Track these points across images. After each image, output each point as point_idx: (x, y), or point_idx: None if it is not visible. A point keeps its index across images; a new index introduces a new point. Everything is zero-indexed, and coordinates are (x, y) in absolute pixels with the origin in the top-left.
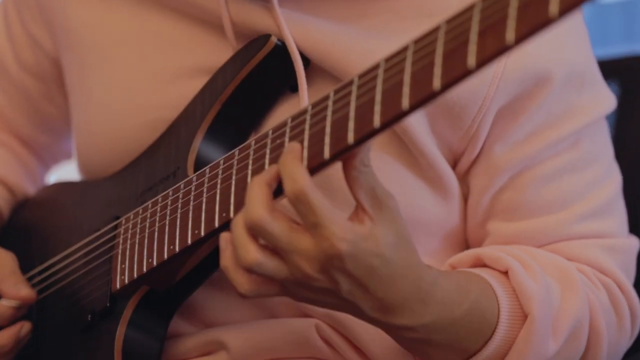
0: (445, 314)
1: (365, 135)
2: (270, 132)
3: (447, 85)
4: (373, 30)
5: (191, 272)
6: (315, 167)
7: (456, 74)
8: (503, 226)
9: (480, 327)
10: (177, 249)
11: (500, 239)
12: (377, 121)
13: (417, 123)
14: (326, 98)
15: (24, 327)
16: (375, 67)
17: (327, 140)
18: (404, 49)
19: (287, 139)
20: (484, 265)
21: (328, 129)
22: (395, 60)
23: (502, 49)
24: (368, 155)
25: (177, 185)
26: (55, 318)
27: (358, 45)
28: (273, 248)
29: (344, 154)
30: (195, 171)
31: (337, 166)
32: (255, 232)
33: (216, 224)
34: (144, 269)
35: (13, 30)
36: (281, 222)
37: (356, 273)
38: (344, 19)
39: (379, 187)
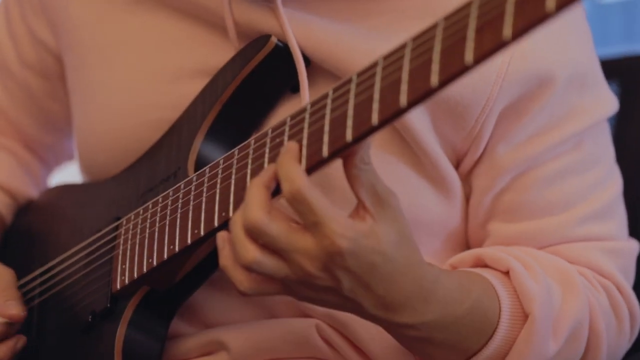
0: (447, 313)
1: (364, 132)
2: (270, 131)
3: (444, 81)
4: (376, 30)
5: (191, 272)
6: (314, 165)
7: (454, 71)
8: (504, 227)
9: (481, 327)
10: (177, 249)
11: (501, 239)
12: (375, 119)
13: (420, 122)
14: (325, 96)
15: (19, 341)
16: (374, 65)
17: (325, 138)
18: (402, 47)
19: (286, 138)
20: (485, 266)
21: (327, 127)
22: (393, 58)
23: (500, 45)
24: (368, 153)
25: (177, 185)
26: (56, 319)
27: (361, 45)
28: (273, 249)
29: (343, 151)
30: (195, 171)
31: (336, 164)
32: (254, 234)
33: (215, 224)
34: (144, 269)
35: (15, 28)
36: (280, 223)
37: (358, 270)
38: (347, 18)
39: (380, 184)
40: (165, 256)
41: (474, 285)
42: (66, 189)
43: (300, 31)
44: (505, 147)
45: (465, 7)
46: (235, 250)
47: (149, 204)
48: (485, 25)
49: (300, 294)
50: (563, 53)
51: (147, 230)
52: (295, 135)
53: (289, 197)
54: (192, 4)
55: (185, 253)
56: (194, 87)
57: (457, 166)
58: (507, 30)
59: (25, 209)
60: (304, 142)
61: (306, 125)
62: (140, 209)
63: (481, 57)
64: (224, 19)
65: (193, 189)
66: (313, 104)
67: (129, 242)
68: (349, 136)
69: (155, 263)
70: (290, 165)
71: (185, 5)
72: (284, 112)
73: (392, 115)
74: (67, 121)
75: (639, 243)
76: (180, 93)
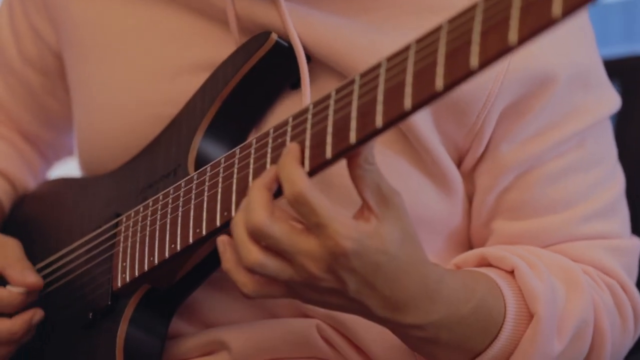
0: (453, 312)
1: (368, 135)
2: (272, 131)
3: (450, 85)
4: (376, 24)
5: (192, 270)
6: (317, 166)
7: (459, 74)
8: (507, 225)
9: (486, 326)
10: (178, 248)
11: (504, 238)
12: (379, 121)
13: (422, 119)
14: (328, 97)
15: (37, 314)
16: (377, 66)
17: (329, 139)
18: (406, 48)
19: (288, 138)
20: (489, 265)
21: (330, 129)
22: (397, 60)
23: (505, 50)
24: (372, 153)
25: (178, 183)
26: (57, 315)
27: (361, 40)
28: (276, 250)
29: (346, 153)
30: (195, 169)
31: (339, 164)
32: (257, 236)
33: (218, 223)
34: (145, 267)
35: (17, 24)
36: (282, 224)
37: (362, 271)
38: (347, 13)
39: (385, 184)
40: (167, 255)
41: (479, 285)
42: (65, 183)
43: (301, 25)
44: (508, 146)
45: (470, 10)
46: (238, 253)
47: (149, 201)
48: (491, 29)
49: (304, 296)
50: (565, 52)
51: (148, 228)
52: (298, 136)
53: (290, 199)
54: None
55: (186, 252)
56: (195, 83)
57: (459, 164)
58: (513, 35)
59: (23, 200)
60: (307, 143)
61: (309, 126)
62: (141, 207)
63: (487, 61)
64: (226, 13)
65: (194, 187)
66: (315, 105)
67: (130, 239)
68: (352, 138)
69: (156, 261)
70: (292, 167)
71: (187, 0)
72: (283, 108)
73: (397, 117)
74: (66, 118)
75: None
76: (180, 89)
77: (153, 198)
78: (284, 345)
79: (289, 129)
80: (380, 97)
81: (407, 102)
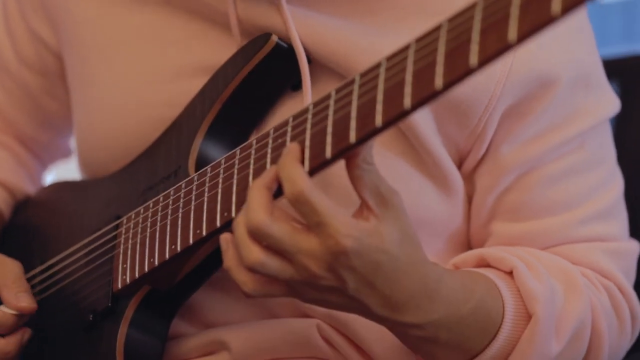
0: (452, 312)
1: (368, 134)
2: (272, 131)
3: (449, 84)
4: (378, 27)
5: (193, 271)
6: (317, 166)
7: (458, 73)
8: (507, 227)
9: (485, 326)
10: (178, 249)
11: (503, 239)
12: (379, 120)
13: (424, 121)
14: (327, 97)
15: (26, 334)
16: (377, 66)
17: (328, 139)
18: (406, 48)
19: (288, 139)
20: (488, 266)
21: (330, 128)
22: (397, 59)
23: (505, 48)
24: (371, 153)
25: (178, 184)
26: (57, 317)
27: (362, 42)
28: (277, 250)
29: (346, 153)
30: (196, 171)
31: (338, 165)
32: (258, 236)
33: (218, 224)
34: (146, 269)
35: (13, 25)
36: (283, 224)
37: (362, 270)
38: (349, 15)
39: (384, 184)
40: (167, 256)
41: (478, 285)
42: (65, 186)
43: (302, 28)
44: (509, 147)
45: (469, 9)
46: (239, 252)
47: (150, 203)
48: (490, 27)
49: (305, 295)
50: (567, 53)
51: (148, 230)
52: (298, 136)
53: (291, 199)
54: (194, 1)
55: (187, 253)
56: (195, 85)
57: (459, 165)
58: (513, 33)
59: (23, 205)
60: (307, 143)
61: (309, 126)
62: (141, 208)
63: (486, 59)
64: (227, 15)
65: (194, 188)
66: (315, 105)
67: (130, 241)
68: (352, 138)
69: (156, 263)
70: (292, 167)
71: (188, 2)
72: (284, 110)
73: (396, 117)
74: (64, 119)
75: (639, 243)
76: (181, 90)
77: (153, 199)
78: (284, 345)
79: (289, 129)
80: (380, 97)
81: (407, 101)
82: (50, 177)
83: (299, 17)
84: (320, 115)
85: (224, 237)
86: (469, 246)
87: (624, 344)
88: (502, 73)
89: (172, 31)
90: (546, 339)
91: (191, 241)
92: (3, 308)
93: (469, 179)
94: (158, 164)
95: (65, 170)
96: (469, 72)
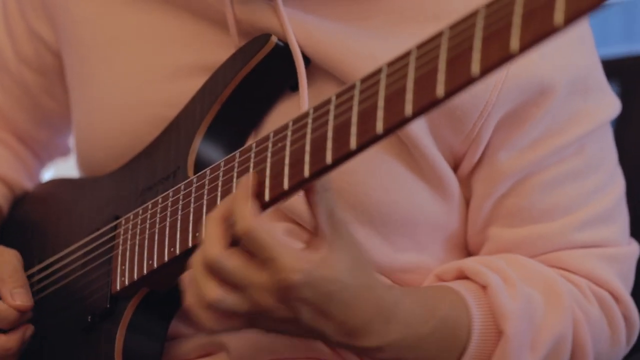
0: (410, 332)
1: (369, 140)
2: (272, 135)
3: (451, 92)
4: (375, 31)
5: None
6: (318, 172)
7: (460, 81)
8: (504, 232)
9: (452, 344)
10: (177, 251)
11: (500, 245)
12: (379, 127)
13: (418, 124)
14: (328, 102)
15: (28, 330)
16: (378, 72)
17: (329, 145)
18: (407, 54)
19: (288, 143)
20: (468, 278)
21: (330, 134)
22: (398, 66)
23: (507, 57)
24: (328, 180)
25: (177, 186)
26: (56, 318)
27: (359, 46)
28: (231, 283)
29: (347, 159)
30: (195, 172)
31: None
32: (213, 270)
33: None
34: (145, 271)
35: (12, 23)
36: (236, 259)
37: (315, 300)
38: (346, 19)
39: (338, 211)
40: (166, 258)
41: (442, 303)
42: (63, 183)
43: (298, 30)
44: (506, 154)
45: (471, 17)
46: (198, 290)
47: (149, 204)
48: (492, 36)
49: (264, 326)
50: (564, 58)
51: (147, 231)
52: (298, 141)
53: (240, 234)
54: (193, 1)
55: (186, 255)
56: (193, 84)
57: (455, 168)
58: (515, 43)
59: (21, 201)
60: (307, 148)
61: (309, 130)
62: (140, 209)
63: (488, 68)
64: (225, 15)
65: (194, 191)
66: (316, 109)
67: (129, 242)
68: (353, 144)
69: (155, 265)
70: (242, 203)
71: (185, 1)
72: (283, 110)
73: (397, 124)
74: (62, 118)
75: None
76: (179, 90)
77: (152, 201)
78: (283, 346)
79: (289, 133)
80: (380, 103)
81: (408, 108)
82: (48, 174)
83: (296, 19)
84: (320, 120)
85: (188, 275)
86: (467, 249)
87: (617, 353)
88: (499, 79)
89: (171, 30)
90: (519, 356)
91: (190, 244)
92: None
93: (466, 183)
94: (157, 164)
95: (64, 169)
96: (470, 80)
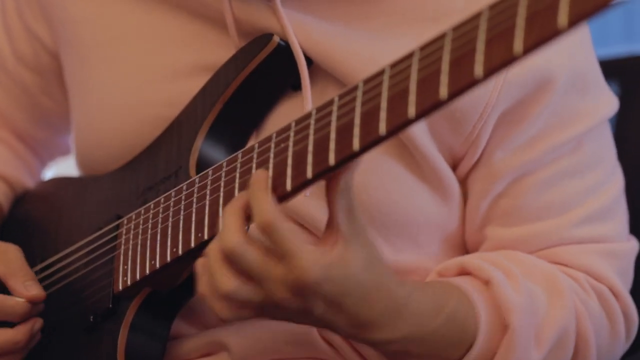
0: (421, 326)
1: (371, 142)
2: (274, 135)
3: (454, 94)
4: (375, 32)
5: (194, 273)
6: (320, 172)
7: (463, 83)
8: (501, 231)
9: (459, 338)
10: (180, 252)
11: (497, 243)
12: (382, 128)
13: (418, 126)
14: (330, 103)
15: (37, 323)
16: (380, 73)
17: (332, 146)
18: (410, 55)
19: (291, 144)
20: (469, 274)
21: (333, 135)
22: (401, 67)
23: (510, 59)
24: (352, 177)
25: (179, 186)
26: (57, 317)
27: (360, 48)
28: (248, 274)
29: (350, 160)
30: (197, 172)
31: None
32: (232, 259)
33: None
34: (147, 271)
35: (10, 24)
36: (255, 249)
37: (329, 296)
38: (346, 20)
39: (356, 209)
40: (169, 258)
41: (450, 298)
42: (64, 182)
43: (298, 31)
44: (503, 153)
45: (474, 19)
46: (214, 279)
47: (151, 204)
48: (495, 38)
49: (275, 315)
50: (562, 55)
51: (149, 231)
52: (301, 142)
53: (260, 228)
54: (192, 1)
55: (188, 256)
56: (193, 85)
57: (454, 169)
58: (518, 45)
59: (22, 200)
60: (310, 148)
61: (312, 131)
62: (142, 209)
63: (491, 70)
64: (224, 15)
65: (196, 191)
66: (318, 110)
67: (131, 242)
68: (356, 145)
69: (157, 265)
70: (261, 196)
71: (185, 1)
72: (285, 110)
73: (400, 125)
74: (61, 117)
75: (639, 243)
76: (179, 90)
77: (154, 201)
78: (284, 346)
79: (292, 134)
80: (383, 104)
81: (411, 110)
82: (49, 174)
83: (295, 20)
84: (323, 121)
85: (201, 262)
86: (465, 248)
87: (617, 348)
88: (498, 81)
89: (170, 30)
90: (524, 350)
91: (193, 244)
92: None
93: (463, 183)
94: (158, 164)
95: (64, 168)
96: (474, 82)
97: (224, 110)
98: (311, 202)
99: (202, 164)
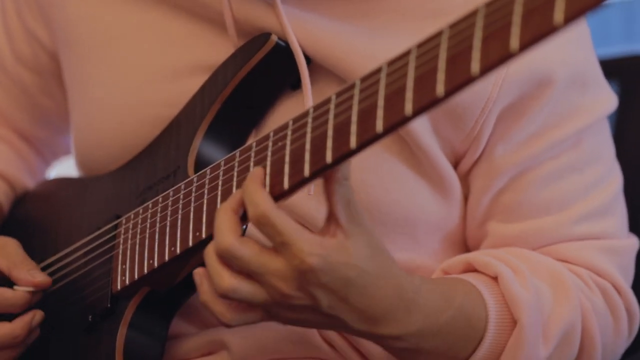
0: (431, 322)
1: (369, 139)
2: (272, 134)
3: (450, 91)
4: (375, 29)
5: (192, 272)
6: (318, 170)
7: (460, 80)
8: (502, 227)
9: (468, 333)
10: (178, 251)
11: (498, 240)
12: (379, 126)
13: (420, 123)
14: (328, 101)
15: (37, 315)
16: (378, 71)
17: (329, 143)
18: (407, 53)
19: (288, 142)
20: (475, 271)
21: (330, 133)
22: (398, 65)
23: (507, 56)
24: (349, 170)
25: (177, 185)
26: (56, 317)
27: (360, 45)
28: (247, 273)
29: (347, 158)
30: (195, 171)
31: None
32: (227, 259)
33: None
34: (145, 270)
35: (10, 23)
36: (250, 246)
37: (333, 286)
38: (346, 17)
39: (355, 201)
40: (167, 257)
41: (458, 293)
42: (63, 182)
43: (298, 29)
44: (504, 148)
45: (471, 16)
46: (212, 280)
47: (149, 203)
48: (492, 35)
49: (282, 317)
50: (562, 52)
51: (148, 231)
52: (298, 140)
53: (254, 221)
54: (190, 1)
55: (186, 255)
56: (192, 84)
57: (455, 166)
58: (515, 42)
59: (22, 200)
60: (307, 147)
61: (309, 129)
62: (140, 209)
63: (488, 67)
64: (223, 15)
65: (194, 190)
66: (316, 108)
67: (129, 241)
68: (353, 143)
69: (156, 264)
70: (255, 190)
71: (184, 1)
72: (284, 109)
73: (397, 123)
74: (61, 117)
75: (638, 240)
76: (178, 90)
77: (152, 200)
78: (284, 346)
79: (289, 132)
80: (380, 102)
81: (408, 108)
82: (51, 174)
83: (295, 18)
84: (320, 119)
85: (198, 272)
86: (465, 245)
87: (620, 343)
88: (499, 76)
89: (170, 31)
90: (533, 345)
91: (190, 243)
92: (16, 287)
93: (464, 179)
94: (157, 163)
95: (64, 168)
96: (470, 79)
97: (222, 109)
98: (311, 201)
99: (201, 164)
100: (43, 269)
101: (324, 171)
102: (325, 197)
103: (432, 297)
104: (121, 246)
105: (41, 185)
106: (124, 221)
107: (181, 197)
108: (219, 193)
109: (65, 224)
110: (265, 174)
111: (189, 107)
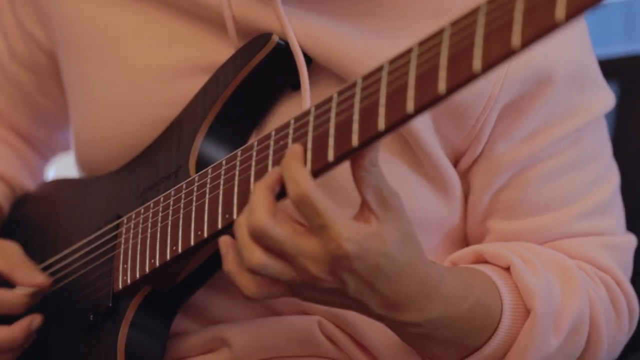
0: (451, 310)
1: (370, 137)
2: (273, 133)
3: (452, 88)
4: (376, 29)
5: (194, 272)
6: (319, 169)
7: (462, 78)
8: (503, 224)
9: (484, 323)
10: (179, 250)
11: (500, 237)
12: (381, 124)
13: (421, 122)
14: (329, 100)
15: (35, 320)
16: (379, 69)
17: (331, 142)
18: (408, 51)
19: (290, 141)
20: (485, 262)
21: (332, 131)
22: (399, 63)
23: (509, 53)
24: (377, 156)
25: (179, 185)
26: (57, 317)
27: (361, 44)
28: (278, 252)
29: (349, 156)
30: (196, 171)
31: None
32: (259, 237)
33: (219, 226)
34: (146, 270)
35: (6, 24)
36: (285, 226)
37: (363, 272)
38: (347, 17)
39: (386, 186)
40: (168, 257)
41: (476, 282)
42: (64, 183)
43: (299, 29)
44: (504, 145)
45: (472, 14)
46: (241, 254)
47: (150, 203)
48: (493, 32)
49: (305, 295)
50: (562, 50)
51: (149, 230)
52: (300, 138)
53: (294, 200)
54: (190, 1)
55: (188, 254)
56: (192, 85)
57: (455, 165)
58: (516, 39)
59: (22, 201)
60: (309, 145)
61: (311, 128)
62: (142, 208)
63: (489, 64)
64: (223, 16)
65: (195, 189)
66: (317, 107)
67: (130, 241)
68: (355, 141)
69: (157, 264)
70: (296, 168)
71: (184, 2)
72: (284, 109)
73: (399, 121)
74: (58, 115)
75: (636, 238)
76: (178, 91)
77: (154, 200)
78: (286, 343)
79: (291, 131)
80: (382, 100)
81: (410, 105)
82: (49, 174)
83: (296, 18)
84: (322, 118)
85: (224, 240)
86: (465, 243)
87: (621, 338)
88: (500, 73)
89: (169, 31)
90: (545, 334)
91: (192, 242)
92: (17, 289)
93: (464, 177)
94: (158, 163)
95: (64, 168)
96: (472, 77)
97: (223, 110)
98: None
99: (202, 164)
100: (43, 270)
101: (326, 170)
102: (355, 184)
103: (453, 285)
104: (122, 246)
105: (42, 187)
106: (125, 221)
107: (183, 196)
108: (221, 192)
109: (65, 224)
110: (305, 150)
111: (190, 108)
